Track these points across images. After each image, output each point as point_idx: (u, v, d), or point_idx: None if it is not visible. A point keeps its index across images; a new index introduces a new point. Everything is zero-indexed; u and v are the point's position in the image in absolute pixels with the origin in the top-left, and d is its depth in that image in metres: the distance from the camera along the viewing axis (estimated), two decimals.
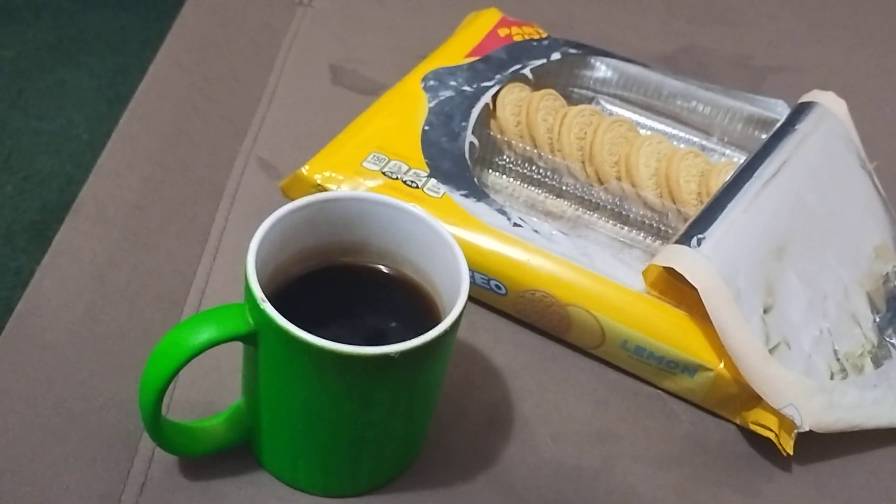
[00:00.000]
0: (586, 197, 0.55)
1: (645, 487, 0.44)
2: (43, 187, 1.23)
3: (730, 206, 0.49)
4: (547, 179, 0.56)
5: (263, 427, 0.40)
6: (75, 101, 1.41)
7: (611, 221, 0.54)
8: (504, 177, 0.57)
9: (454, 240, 0.40)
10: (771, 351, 0.44)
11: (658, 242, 0.53)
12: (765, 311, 0.45)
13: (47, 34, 1.53)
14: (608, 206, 0.55)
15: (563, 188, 0.56)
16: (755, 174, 0.51)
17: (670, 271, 0.46)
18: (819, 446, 0.46)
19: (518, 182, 0.56)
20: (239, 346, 0.38)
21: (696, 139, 0.62)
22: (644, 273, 0.47)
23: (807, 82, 0.63)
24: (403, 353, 0.35)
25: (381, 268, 0.43)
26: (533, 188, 0.56)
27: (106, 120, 1.37)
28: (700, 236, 0.46)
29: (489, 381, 0.48)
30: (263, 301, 0.35)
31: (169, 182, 0.55)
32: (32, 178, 1.24)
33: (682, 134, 0.62)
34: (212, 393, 0.44)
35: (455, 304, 0.37)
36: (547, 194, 0.56)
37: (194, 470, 0.41)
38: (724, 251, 0.46)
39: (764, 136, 0.59)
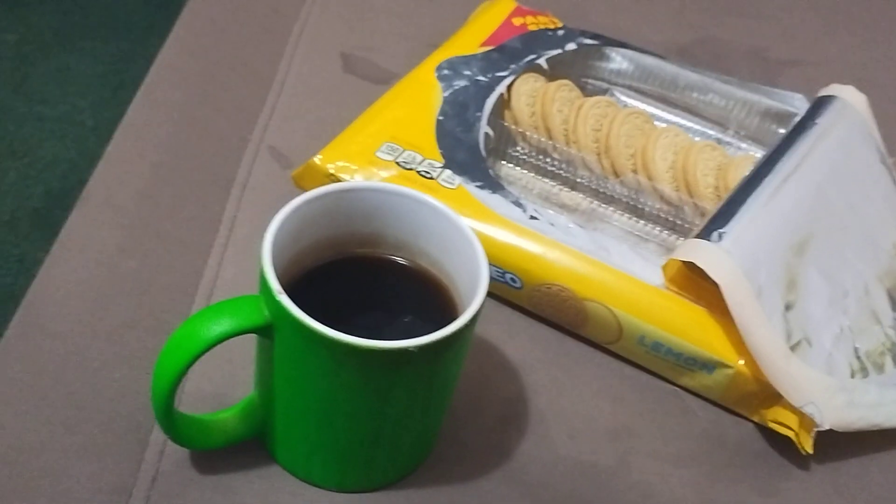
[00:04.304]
0: (601, 189, 0.54)
1: (662, 485, 0.44)
2: (46, 173, 1.22)
3: (750, 200, 0.48)
4: (561, 171, 0.55)
5: (277, 421, 0.39)
6: (79, 86, 1.40)
7: (625, 215, 0.54)
8: (518, 168, 0.56)
9: (473, 232, 0.39)
10: (792, 348, 0.43)
11: (673, 237, 0.52)
12: (786, 308, 0.45)
13: (51, 19, 1.52)
14: (623, 199, 0.54)
15: (578, 180, 0.55)
16: (775, 168, 0.50)
17: (690, 266, 0.45)
18: (838, 445, 0.45)
19: (532, 174, 0.56)
20: (252, 337, 0.38)
21: (711, 132, 0.61)
22: (664, 268, 0.46)
23: (823, 76, 0.62)
24: (422, 348, 0.34)
25: (398, 260, 0.42)
26: (547, 180, 0.55)
27: (110, 106, 1.36)
28: (721, 231, 0.45)
29: (504, 375, 0.47)
30: (280, 293, 0.34)
31: (179, 170, 0.55)
32: (36, 164, 1.23)
33: (697, 127, 0.61)
34: (224, 385, 0.44)
35: (474, 297, 0.36)
36: (561, 186, 0.55)
37: (206, 463, 0.41)
38: (746, 246, 0.45)
39: (781, 130, 0.58)
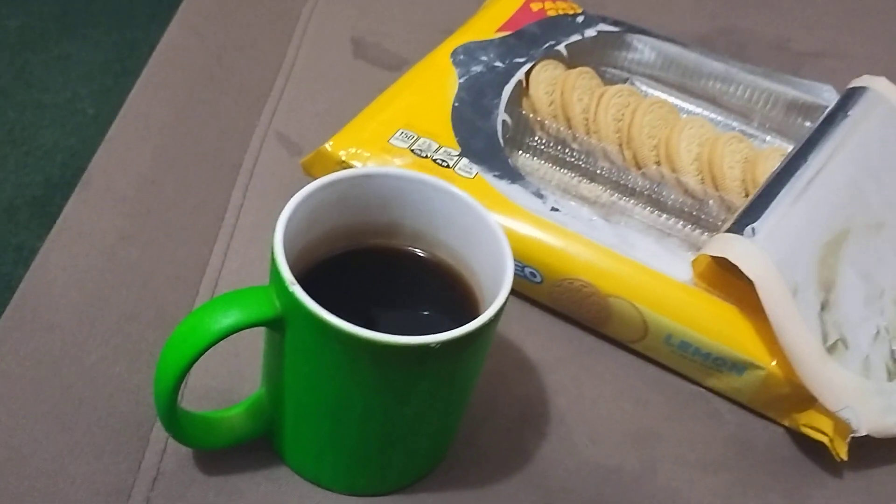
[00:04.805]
0: (622, 182, 0.52)
1: (689, 492, 0.42)
2: (46, 161, 1.20)
3: (781, 194, 0.46)
4: (581, 163, 0.53)
5: (287, 419, 0.37)
6: (80, 74, 1.38)
7: (647, 208, 0.52)
8: (535, 159, 0.54)
9: (496, 222, 0.37)
10: (828, 350, 0.41)
11: (697, 231, 0.50)
12: (822, 308, 0.42)
13: (53, 5, 1.50)
14: (645, 192, 0.52)
15: (598, 172, 0.53)
16: (807, 161, 0.48)
17: (721, 262, 0.43)
18: (873, 452, 0.43)
19: (550, 165, 0.53)
20: (259, 331, 0.36)
21: (734, 124, 0.59)
22: (693, 263, 0.44)
23: (848, 68, 0.60)
24: (444, 344, 0.32)
25: (415, 251, 0.40)
26: (566, 171, 0.53)
27: (112, 94, 1.34)
28: (753, 225, 0.43)
29: (522, 374, 0.45)
30: (293, 284, 0.32)
31: (183, 156, 0.52)
32: (36, 151, 1.21)
33: (719, 118, 0.59)
34: (229, 381, 0.42)
35: (498, 290, 0.34)
36: (580, 178, 0.53)
37: (210, 463, 0.39)
38: (779, 242, 0.43)
39: (807, 123, 0.56)
